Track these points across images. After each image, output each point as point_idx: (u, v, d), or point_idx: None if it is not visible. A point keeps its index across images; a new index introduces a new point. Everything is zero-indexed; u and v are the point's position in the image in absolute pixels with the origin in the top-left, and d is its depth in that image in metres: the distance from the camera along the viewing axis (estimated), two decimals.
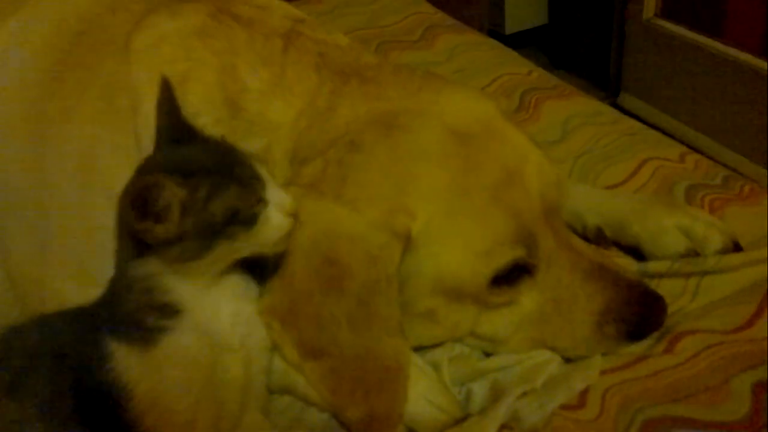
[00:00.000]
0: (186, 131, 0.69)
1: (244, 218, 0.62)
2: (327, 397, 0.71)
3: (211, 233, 0.61)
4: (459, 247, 0.71)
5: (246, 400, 0.67)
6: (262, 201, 0.63)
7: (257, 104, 0.78)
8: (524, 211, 0.72)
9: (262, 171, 0.66)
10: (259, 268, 0.70)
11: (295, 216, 0.66)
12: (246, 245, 0.64)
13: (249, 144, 0.77)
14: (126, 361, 0.61)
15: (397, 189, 0.71)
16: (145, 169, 0.65)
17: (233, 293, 0.67)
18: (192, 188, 0.59)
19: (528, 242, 0.72)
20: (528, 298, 0.75)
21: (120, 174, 0.73)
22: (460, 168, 0.71)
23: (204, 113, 0.78)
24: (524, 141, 0.77)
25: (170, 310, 0.63)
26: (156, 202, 0.58)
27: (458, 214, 0.71)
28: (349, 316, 0.69)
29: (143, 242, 0.61)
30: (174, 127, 0.68)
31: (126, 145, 0.76)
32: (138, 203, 0.58)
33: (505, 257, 0.71)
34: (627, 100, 2.46)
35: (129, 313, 0.63)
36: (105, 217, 0.72)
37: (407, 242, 0.70)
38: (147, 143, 0.76)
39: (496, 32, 2.71)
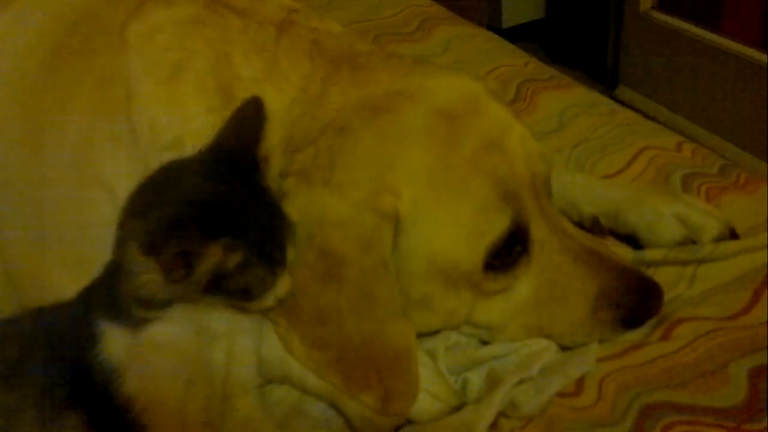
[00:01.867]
0: (249, 160, 0.67)
1: (247, 294, 0.62)
2: (341, 385, 0.71)
3: (211, 290, 0.60)
4: (448, 225, 0.71)
5: (229, 381, 0.67)
6: (271, 285, 0.63)
7: (250, 92, 0.78)
8: (507, 177, 0.72)
9: (290, 254, 0.65)
10: None
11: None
12: (234, 304, 0.64)
13: None
14: (117, 343, 0.61)
15: (381, 170, 0.70)
16: (184, 192, 0.62)
17: None
18: (229, 252, 0.58)
19: (515, 205, 0.72)
20: (523, 283, 0.75)
21: (116, 164, 0.73)
22: (442, 145, 0.71)
23: (197, 102, 0.77)
24: (507, 115, 0.77)
25: (158, 304, 0.62)
26: (196, 267, 0.57)
27: (442, 191, 0.70)
28: (350, 303, 0.70)
29: None
30: (240, 149, 0.67)
31: (121, 135, 0.76)
32: (177, 262, 0.57)
33: (493, 230, 0.71)
34: (624, 92, 2.46)
35: (121, 300, 0.62)
36: (101, 208, 0.72)
37: (397, 223, 0.70)
38: (141, 133, 0.76)
39: (493, 26, 2.70)
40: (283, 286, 0.65)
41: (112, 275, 0.64)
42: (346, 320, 0.70)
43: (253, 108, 0.70)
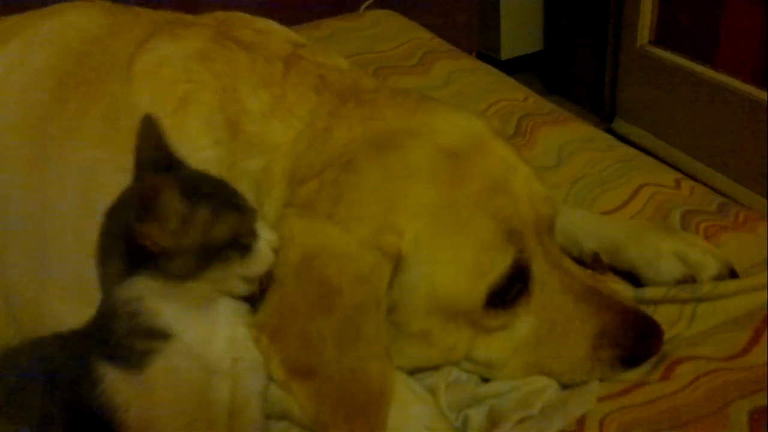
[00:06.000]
0: (170, 160, 0.69)
1: (241, 245, 0.63)
2: (312, 416, 0.71)
3: (209, 254, 0.62)
4: (450, 263, 0.71)
5: (235, 424, 0.67)
6: (254, 233, 0.65)
7: (257, 125, 0.79)
8: (511, 217, 0.73)
9: (253, 206, 0.68)
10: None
11: (276, 252, 0.68)
12: (237, 271, 0.65)
13: (248, 164, 0.78)
14: (116, 385, 0.61)
15: (386, 207, 0.71)
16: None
17: (226, 317, 0.67)
18: (193, 204, 0.60)
19: (518, 245, 0.72)
20: (523, 321, 0.75)
21: None
22: (446, 183, 0.72)
23: (204, 134, 0.79)
24: (512, 155, 0.78)
25: (158, 334, 0.62)
26: (158, 204, 0.58)
27: (446, 229, 0.71)
28: (336, 335, 0.69)
29: (137, 257, 0.61)
30: (158, 157, 0.69)
31: (127, 167, 0.76)
32: (142, 203, 0.58)
33: (495, 270, 0.71)
34: (621, 125, 2.48)
35: (118, 337, 0.62)
36: None
37: (397, 261, 0.70)
38: None
39: (491, 58, 2.74)
40: (268, 232, 0.67)
41: (108, 317, 0.64)
42: (328, 350, 0.69)
43: (150, 124, 0.71)
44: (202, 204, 0.61)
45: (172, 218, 0.59)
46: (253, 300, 0.70)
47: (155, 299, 0.62)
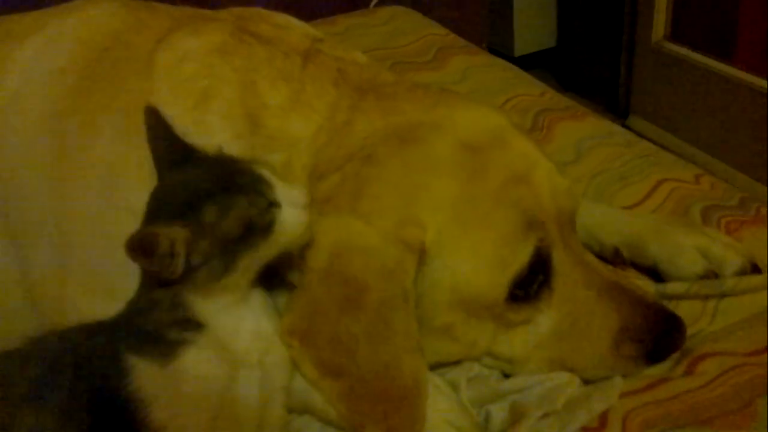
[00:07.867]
0: (183, 150, 0.70)
1: (260, 226, 0.63)
2: (346, 415, 0.70)
3: (232, 248, 0.62)
4: (472, 256, 0.71)
5: (264, 419, 0.67)
6: (273, 204, 0.64)
7: (277, 120, 0.79)
8: (532, 208, 0.72)
9: (265, 173, 0.66)
10: (280, 285, 0.71)
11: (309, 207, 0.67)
12: (269, 250, 0.64)
13: (268, 159, 0.78)
14: (145, 376, 0.61)
15: (408, 200, 0.71)
16: (151, 210, 0.66)
17: (254, 310, 0.68)
18: (196, 223, 0.60)
19: (539, 234, 0.72)
20: (545, 316, 0.75)
21: (143, 189, 0.73)
22: (467, 177, 0.72)
23: (224, 129, 0.79)
24: (534, 150, 0.78)
25: (193, 325, 0.63)
26: (157, 251, 0.59)
27: (467, 223, 0.71)
28: (367, 332, 0.69)
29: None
30: (171, 149, 0.69)
31: (149, 161, 0.77)
32: (140, 254, 0.59)
33: (517, 261, 0.71)
34: (636, 122, 2.47)
35: (151, 328, 0.63)
36: (127, 232, 0.72)
37: (421, 254, 0.70)
38: None
39: (505, 54, 2.72)
40: (290, 194, 0.66)
41: (140, 309, 0.64)
42: (360, 349, 0.69)
43: (153, 114, 0.71)
44: (208, 209, 0.61)
45: (179, 252, 0.60)
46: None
47: (193, 293, 0.63)
